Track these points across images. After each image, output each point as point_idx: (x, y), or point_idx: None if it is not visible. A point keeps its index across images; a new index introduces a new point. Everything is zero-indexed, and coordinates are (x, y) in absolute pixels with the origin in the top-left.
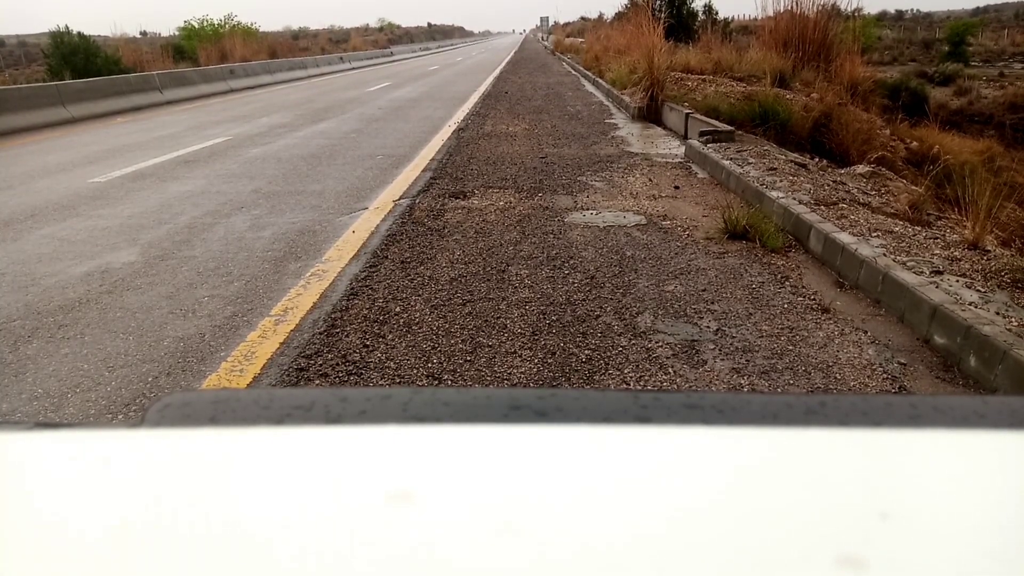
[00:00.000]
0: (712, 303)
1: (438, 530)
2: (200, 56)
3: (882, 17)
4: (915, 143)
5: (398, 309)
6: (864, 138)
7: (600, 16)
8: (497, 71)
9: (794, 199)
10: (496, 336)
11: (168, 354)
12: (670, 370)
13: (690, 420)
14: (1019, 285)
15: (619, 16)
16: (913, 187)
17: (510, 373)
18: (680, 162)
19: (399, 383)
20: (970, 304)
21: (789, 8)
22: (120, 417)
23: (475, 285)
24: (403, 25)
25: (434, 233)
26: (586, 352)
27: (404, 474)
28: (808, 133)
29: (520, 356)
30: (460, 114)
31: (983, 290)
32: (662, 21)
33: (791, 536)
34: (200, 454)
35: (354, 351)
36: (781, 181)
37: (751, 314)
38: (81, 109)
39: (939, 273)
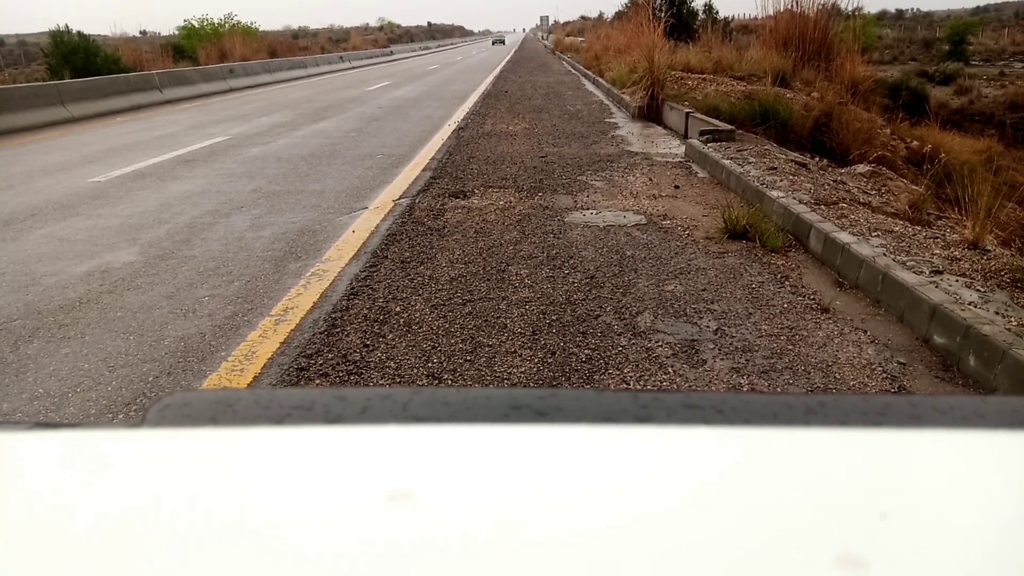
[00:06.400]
0: (712, 303)
1: (438, 530)
2: (200, 55)
3: (882, 16)
4: (915, 142)
5: (398, 309)
6: (864, 137)
7: (600, 15)
8: (497, 70)
9: (794, 198)
10: (496, 336)
11: (169, 354)
12: (670, 370)
13: (690, 420)
14: (1019, 285)
15: (619, 15)
16: (913, 186)
17: (510, 373)
18: (680, 161)
19: (399, 383)
20: (970, 304)
21: (789, 7)
22: (120, 417)
23: (475, 285)
24: (403, 24)
25: (434, 233)
26: (586, 352)
27: (404, 474)
28: (808, 132)
29: (520, 356)
30: (460, 113)
31: (983, 290)
32: (662, 20)
33: (791, 536)
34: (200, 454)
35: (354, 351)
36: (781, 180)
37: (751, 314)
38: (81, 108)
39: (939, 273)
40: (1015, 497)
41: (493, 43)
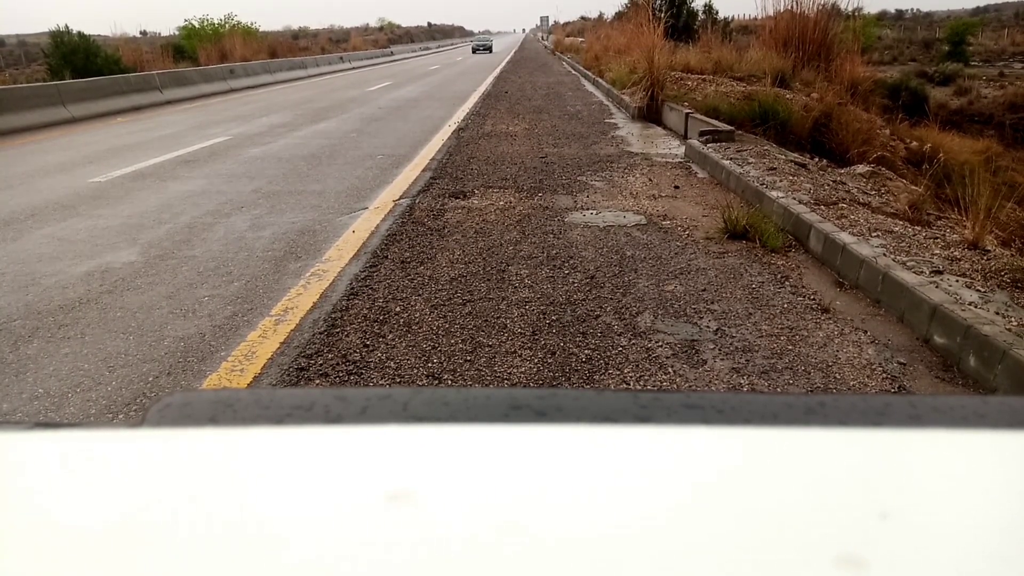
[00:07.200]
0: (712, 303)
1: (438, 530)
2: (200, 56)
3: (882, 17)
4: (915, 143)
5: (398, 309)
6: (864, 138)
7: (600, 16)
8: (497, 71)
9: (794, 199)
10: (496, 336)
11: (168, 354)
12: (670, 370)
13: (690, 420)
14: (1019, 285)
15: (619, 16)
16: (913, 187)
17: (510, 373)
18: (680, 162)
19: (399, 383)
20: (970, 304)
21: (789, 8)
22: (120, 418)
23: (475, 285)
24: (403, 25)
25: (434, 233)
26: (586, 352)
27: (404, 474)
28: (808, 133)
29: (520, 356)
30: (460, 114)
31: (983, 290)
32: (662, 21)
33: (791, 536)
34: (200, 454)
35: (354, 351)
36: (781, 181)
37: (751, 314)
38: (81, 109)
39: (939, 273)
40: (1015, 497)
41: (475, 50)
